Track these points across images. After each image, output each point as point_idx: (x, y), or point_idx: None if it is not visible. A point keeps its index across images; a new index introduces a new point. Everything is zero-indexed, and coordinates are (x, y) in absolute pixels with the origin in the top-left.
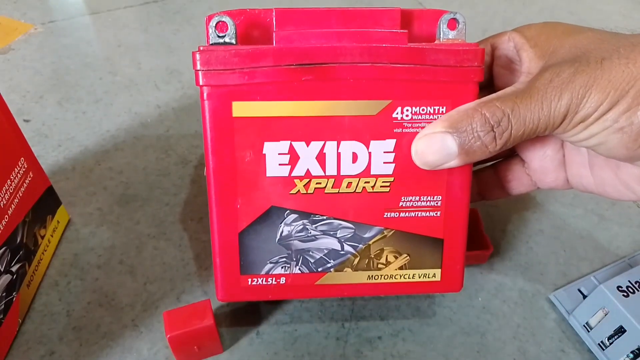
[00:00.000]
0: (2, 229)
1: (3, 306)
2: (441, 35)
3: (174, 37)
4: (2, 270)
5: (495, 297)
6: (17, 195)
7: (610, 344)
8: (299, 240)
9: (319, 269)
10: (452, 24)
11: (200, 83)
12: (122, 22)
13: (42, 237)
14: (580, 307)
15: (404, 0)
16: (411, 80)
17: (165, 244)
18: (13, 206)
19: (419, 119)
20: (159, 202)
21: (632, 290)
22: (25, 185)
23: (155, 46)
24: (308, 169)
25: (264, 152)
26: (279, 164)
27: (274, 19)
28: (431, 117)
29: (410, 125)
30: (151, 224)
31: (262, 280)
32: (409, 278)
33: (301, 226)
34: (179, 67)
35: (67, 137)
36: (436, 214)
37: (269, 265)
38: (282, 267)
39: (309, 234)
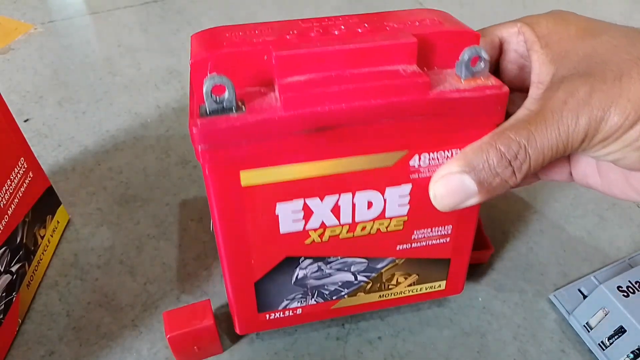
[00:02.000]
0: (2, 229)
1: (3, 306)
2: (462, 73)
3: (174, 37)
4: (2, 270)
5: (495, 297)
6: (17, 195)
7: (611, 344)
8: (314, 279)
9: (334, 297)
10: (475, 60)
11: (201, 159)
12: (122, 23)
13: (42, 237)
14: (580, 307)
15: (404, 1)
16: (431, 131)
17: (165, 244)
18: (13, 206)
19: (436, 163)
20: (159, 203)
21: (632, 291)
22: (25, 185)
23: (155, 46)
24: (323, 221)
25: (276, 213)
26: (293, 221)
27: (275, 64)
28: (448, 159)
29: (427, 169)
30: (151, 224)
31: (279, 314)
32: (416, 292)
33: (316, 268)
34: (178, 67)
35: (67, 137)
36: (446, 240)
37: (285, 302)
38: (298, 302)
39: (324, 273)
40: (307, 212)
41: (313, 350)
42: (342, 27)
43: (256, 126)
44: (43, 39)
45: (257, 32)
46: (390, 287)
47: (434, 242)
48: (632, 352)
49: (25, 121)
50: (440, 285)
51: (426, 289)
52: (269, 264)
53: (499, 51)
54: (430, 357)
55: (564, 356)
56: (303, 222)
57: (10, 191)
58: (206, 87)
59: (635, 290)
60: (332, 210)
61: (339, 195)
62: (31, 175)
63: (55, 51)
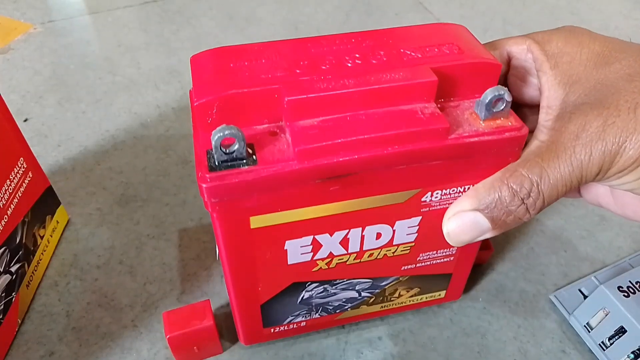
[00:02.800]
0: (1, 229)
1: (2, 306)
2: (482, 114)
3: (174, 37)
4: (1, 270)
5: (496, 297)
6: (17, 195)
7: (611, 344)
8: (320, 298)
9: (337, 311)
10: (497, 102)
11: (210, 209)
12: (122, 22)
13: (42, 237)
14: (581, 307)
15: (404, 1)
16: (446, 171)
17: (165, 244)
18: (12, 206)
19: (448, 198)
20: (158, 203)
21: (632, 291)
22: (24, 185)
23: (155, 46)
24: (331, 252)
25: (285, 248)
26: (301, 253)
27: (286, 108)
28: (460, 195)
29: (438, 204)
30: (151, 224)
31: (284, 328)
32: (417, 301)
33: (322, 289)
34: (178, 67)
35: (67, 137)
36: (450, 259)
37: (290, 318)
38: (303, 317)
39: (329, 293)
40: (316, 246)
41: (313, 351)
42: (357, 55)
43: (269, 179)
44: (43, 39)
45: (264, 60)
46: (392, 299)
47: (438, 261)
48: (632, 353)
49: (25, 121)
50: (440, 295)
51: (426, 298)
52: (275, 289)
53: (507, 66)
54: (431, 357)
55: (565, 356)
56: (311, 254)
57: (10, 191)
58: (215, 140)
59: (636, 291)
60: (340, 242)
61: (349, 230)
62: (31, 175)
63: (55, 51)
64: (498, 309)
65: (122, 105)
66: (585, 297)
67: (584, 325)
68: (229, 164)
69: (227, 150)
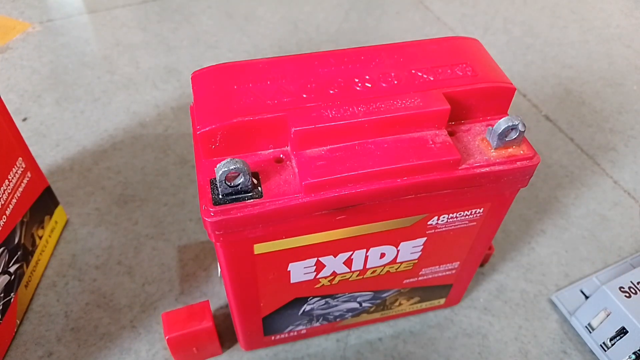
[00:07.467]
0: (0, 229)
1: (1, 307)
2: (494, 142)
3: (173, 36)
4: (0, 270)
5: (496, 298)
6: (15, 196)
7: (613, 345)
8: (321, 310)
9: (337, 320)
10: (510, 132)
11: (214, 239)
12: (121, 21)
13: (40, 238)
14: (582, 308)
15: (405, 0)
16: (454, 198)
17: (163, 244)
18: (11, 206)
19: (455, 221)
20: (157, 202)
21: (634, 291)
22: (23, 185)
23: (154, 45)
24: (334, 271)
25: (288, 270)
26: (304, 273)
27: (293, 138)
28: (467, 217)
29: (444, 226)
30: (149, 224)
31: (284, 335)
32: (417, 308)
33: (324, 302)
34: (177, 66)
35: (65, 136)
36: (452, 272)
37: (291, 327)
38: (304, 326)
39: (331, 305)
40: (319, 266)
41: (313, 352)
42: (367, 77)
43: (274, 212)
44: (41, 38)
45: (269, 82)
46: (392, 307)
47: (440, 274)
48: (634, 353)
49: (24, 120)
50: (440, 302)
51: (426, 305)
52: (277, 304)
53: None
54: (431, 358)
55: (566, 357)
56: (314, 273)
57: (9, 191)
58: (220, 175)
59: (637, 291)
60: (344, 262)
61: (353, 251)
62: (29, 175)
63: (54, 50)
64: (499, 309)
65: (121, 104)
66: (586, 297)
67: (585, 326)
68: (234, 197)
69: (232, 184)
